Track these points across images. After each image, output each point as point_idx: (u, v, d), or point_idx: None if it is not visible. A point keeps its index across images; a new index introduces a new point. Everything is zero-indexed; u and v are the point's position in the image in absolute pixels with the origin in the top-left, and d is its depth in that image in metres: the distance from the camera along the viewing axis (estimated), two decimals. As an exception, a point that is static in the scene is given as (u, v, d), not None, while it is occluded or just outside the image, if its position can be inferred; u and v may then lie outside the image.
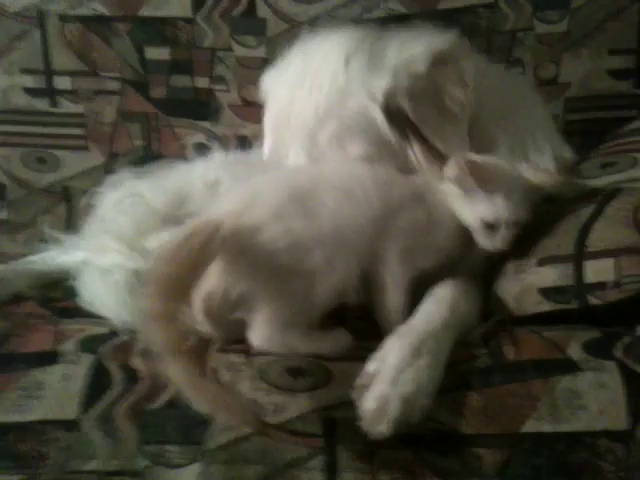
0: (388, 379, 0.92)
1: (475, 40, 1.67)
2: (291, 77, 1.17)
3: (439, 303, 1.06)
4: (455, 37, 1.20)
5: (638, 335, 1.01)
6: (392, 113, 1.12)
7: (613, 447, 0.92)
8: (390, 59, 1.13)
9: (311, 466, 0.92)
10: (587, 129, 1.71)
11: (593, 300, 1.03)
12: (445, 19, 1.69)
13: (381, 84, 1.11)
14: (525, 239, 1.19)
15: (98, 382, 0.99)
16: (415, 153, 1.14)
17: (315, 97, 1.12)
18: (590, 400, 0.94)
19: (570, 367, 0.98)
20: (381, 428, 0.89)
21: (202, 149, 1.69)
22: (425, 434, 0.93)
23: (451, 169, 1.09)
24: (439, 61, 1.14)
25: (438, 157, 1.14)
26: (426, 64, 1.13)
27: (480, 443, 0.93)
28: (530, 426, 0.93)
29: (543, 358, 0.99)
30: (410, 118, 1.12)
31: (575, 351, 1.00)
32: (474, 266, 1.17)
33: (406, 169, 1.15)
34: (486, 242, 1.10)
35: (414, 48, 1.15)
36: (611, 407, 0.94)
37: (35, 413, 0.96)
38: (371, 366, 0.94)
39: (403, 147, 1.14)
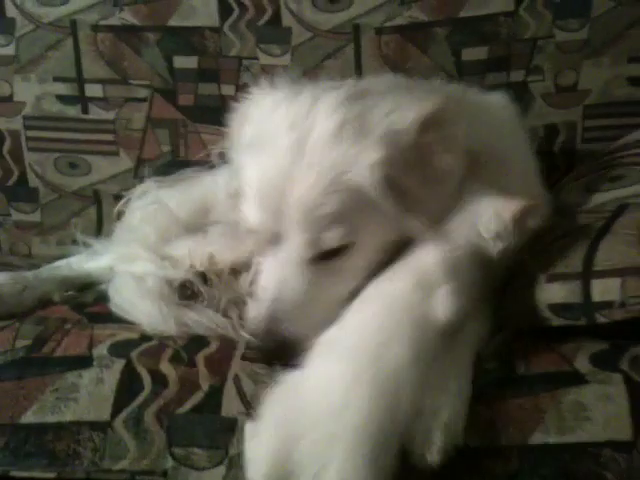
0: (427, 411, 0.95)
1: (495, 48, 1.72)
2: (279, 149, 1.10)
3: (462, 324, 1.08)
4: (443, 99, 1.14)
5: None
6: (386, 184, 1.08)
7: (617, 457, 0.95)
8: (379, 127, 1.09)
9: (328, 469, 0.96)
10: (606, 136, 1.72)
11: (600, 318, 1.05)
12: (466, 27, 1.73)
13: (370, 157, 1.06)
14: (536, 253, 1.23)
15: (129, 386, 1.05)
16: (411, 221, 1.11)
17: (310, 175, 1.07)
18: (595, 412, 0.98)
19: (577, 379, 1.01)
20: (431, 459, 0.92)
21: (225, 156, 1.73)
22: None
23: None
24: (426, 128, 1.09)
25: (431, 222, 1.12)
26: (414, 134, 1.08)
27: (490, 455, 0.97)
28: (537, 438, 0.97)
29: (552, 371, 1.03)
30: (402, 188, 1.10)
31: (582, 363, 1.03)
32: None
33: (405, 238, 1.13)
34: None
35: (402, 114, 1.10)
36: (616, 418, 0.97)
37: (70, 414, 1.03)
38: None
39: (400, 218, 1.11)
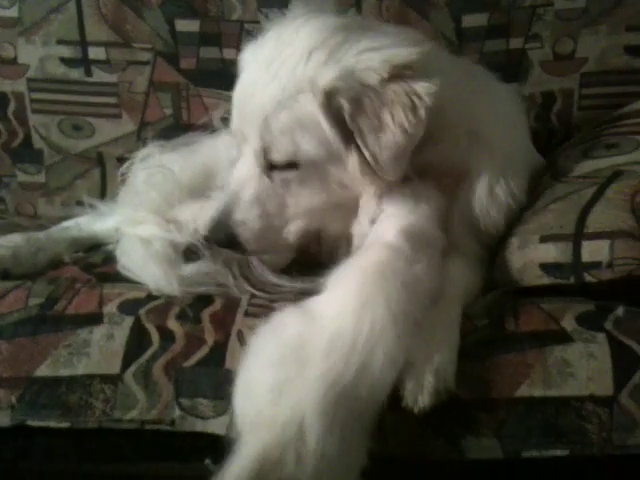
0: (419, 357, 1.00)
1: (495, 15, 1.73)
2: (260, 59, 1.17)
3: (449, 281, 1.14)
4: (425, 50, 1.13)
5: (628, 310, 1.09)
6: (336, 116, 1.11)
7: (598, 411, 1.02)
8: (347, 60, 1.10)
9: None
10: (602, 104, 1.76)
11: (588, 277, 1.11)
12: (467, -7, 1.74)
13: (324, 81, 1.09)
14: (531, 215, 1.27)
15: (138, 341, 1.10)
16: (352, 162, 1.14)
17: (275, 85, 1.12)
18: (579, 368, 1.04)
19: (563, 338, 1.07)
20: (421, 401, 0.98)
21: (227, 121, 1.75)
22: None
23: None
24: (395, 76, 1.09)
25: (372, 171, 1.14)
26: (380, 76, 1.09)
27: (479, 407, 1.03)
28: (524, 391, 1.03)
29: (540, 329, 1.08)
30: (347, 123, 1.11)
31: (569, 323, 1.09)
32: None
33: (346, 178, 1.17)
34: None
35: (376, 54, 1.10)
36: (598, 375, 1.03)
37: (82, 368, 1.08)
38: None
39: (345, 153, 1.14)
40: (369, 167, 1.13)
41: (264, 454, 0.87)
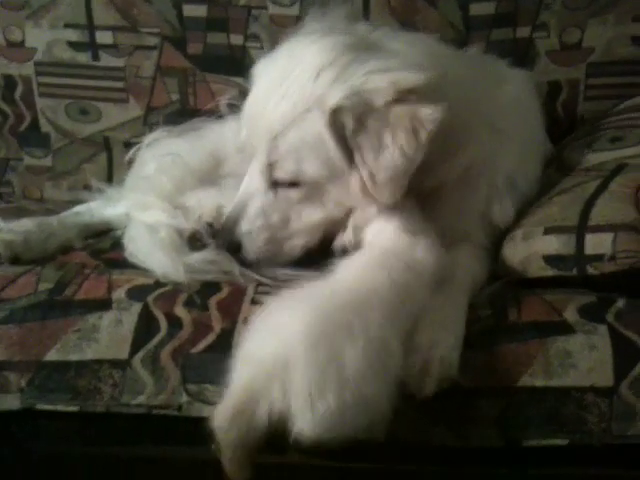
0: (424, 344, 1.02)
1: (503, 3, 1.73)
2: (272, 75, 1.19)
3: (458, 268, 1.16)
4: (433, 76, 1.12)
5: (629, 302, 1.11)
6: (341, 134, 1.12)
7: (598, 401, 1.04)
8: (355, 80, 1.11)
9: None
10: (608, 94, 1.76)
11: (591, 270, 1.12)
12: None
13: (332, 100, 1.10)
14: (536, 206, 1.28)
15: (146, 327, 1.12)
16: (354, 182, 1.15)
17: (285, 103, 1.14)
18: (581, 359, 1.06)
19: (565, 329, 1.08)
20: (427, 387, 1.00)
21: (234, 107, 1.75)
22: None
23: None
24: (400, 99, 1.09)
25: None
26: (385, 98, 1.09)
27: (479, 395, 1.04)
28: (525, 381, 1.04)
29: (542, 320, 1.10)
30: (348, 141, 1.12)
31: (571, 314, 1.10)
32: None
33: (348, 198, 1.18)
34: None
35: (383, 76, 1.11)
36: (599, 366, 1.05)
37: (91, 353, 1.10)
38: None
39: (348, 173, 1.15)
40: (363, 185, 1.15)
41: (251, 385, 0.90)
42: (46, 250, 1.37)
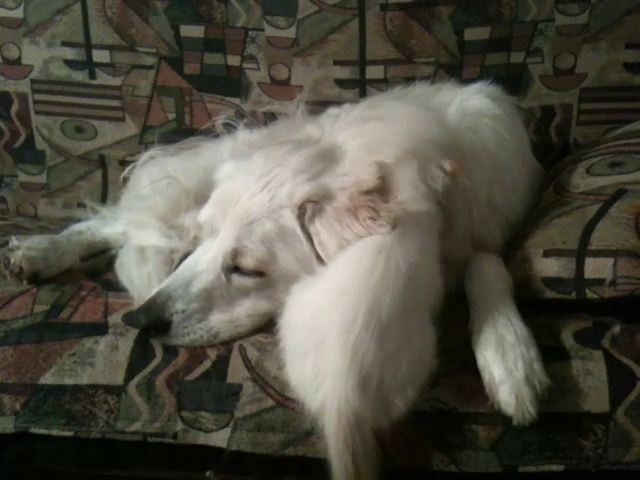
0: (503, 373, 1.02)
1: (497, 29, 1.75)
2: (249, 171, 1.22)
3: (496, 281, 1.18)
4: (397, 176, 1.15)
5: (624, 327, 1.11)
6: (305, 228, 1.15)
7: (594, 427, 1.04)
8: (323, 180, 1.16)
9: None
10: (600, 119, 1.79)
11: (590, 294, 1.13)
12: (469, 7, 1.76)
13: (299, 194, 1.15)
14: (535, 229, 1.29)
15: (142, 353, 1.11)
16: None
17: (264, 195, 1.16)
18: (576, 385, 1.06)
19: (561, 354, 1.09)
20: (529, 412, 1.00)
21: (230, 127, 1.76)
22: (429, 412, 1.05)
23: None
24: (359, 194, 1.13)
25: None
26: (346, 194, 1.14)
27: (477, 420, 1.05)
28: (521, 407, 1.04)
29: (538, 344, 1.08)
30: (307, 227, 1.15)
31: (567, 339, 1.11)
32: None
33: None
34: None
35: (349, 177, 1.16)
36: (595, 392, 1.06)
37: (87, 378, 1.10)
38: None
39: (318, 267, 1.14)
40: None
41: None
42: (60, 268, 1.36)
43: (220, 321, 1.15)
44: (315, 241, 1.14)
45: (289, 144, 1.27)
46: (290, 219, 1.15)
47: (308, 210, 1.14)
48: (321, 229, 1.13)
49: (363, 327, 0.96)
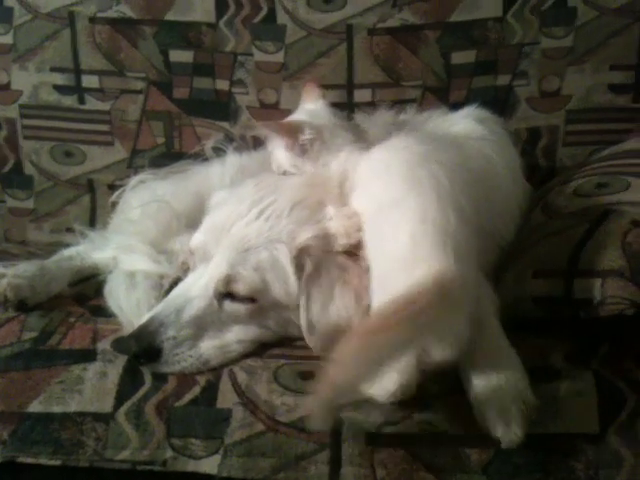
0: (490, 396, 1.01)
1: (483, 52, 1.77)
2: (241, 199, 1.23)
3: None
4: None
5: (615, 347, 1.12)
6: (300, 274, 1.17)
7: (585, 448, 1.04)
8: (324, 223, 1.20)
9: (318, 459, 1.03)
10: (586, 140, 1.80)
11: (580, 314, 1.12)
12: (456, 31, 1.78)
13: (300, 239, 1.17)
14: (524, 249, 1.30)
15: (131, 380, 1.10)
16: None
17: (261, 224, 1.18)
18: (567, 406, 1.06)
19: (551, 374, 1.09)
20: (516, 434, 0.98)
21: (219, 151, 1.77)
22: (420, 435, 1.04)
23: None
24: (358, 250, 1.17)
25: None
26: (343, 246, 1.18)
27: (468, 443, 1.04)
28: (511, 429, 1.04)
29: (528, 365, 1.07)
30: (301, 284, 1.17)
31: (557, 359, 1.11)
32: None
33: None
34: None
35: (345, 223, 1.18)
36: (585, 413, 1.05)
37: (75, 405, 1.08)
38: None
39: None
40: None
41: None
42: (48, 294, 1.35)
43: (210, 347, 1.15)
44: (302, 298, 1.17)
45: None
46: (285, 258, 1.17)
47: (307, 266, 1.17)
48: (312, 295, 1.16)
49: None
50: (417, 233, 1.01)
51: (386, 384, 0.99)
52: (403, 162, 1.15)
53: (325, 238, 1.18)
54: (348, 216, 1.19)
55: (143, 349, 1.12)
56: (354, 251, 1.18)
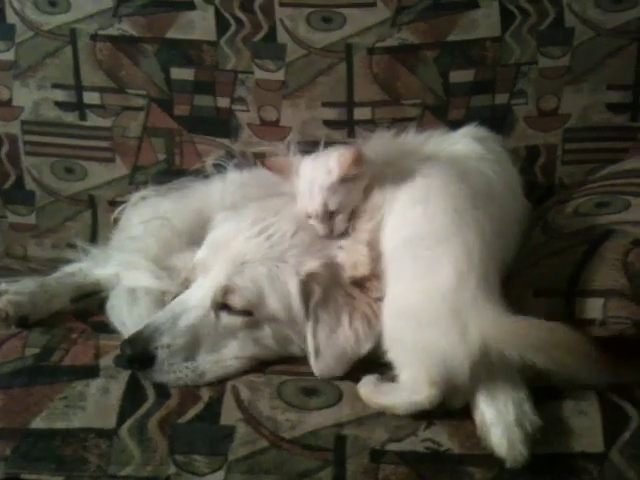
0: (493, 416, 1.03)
1: (481, 71, 1.79)
2: (244, 217, 1.25)
3: None
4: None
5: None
6: (307, 299, 1.19)
7: (589, 468, 1.04)
8: (331, 251, 1.22)
9: (321, 476, 1.03)
10: (584, 159, 1.82)
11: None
12: (454, 50, 1.80)
13: (308, 267, 1.19)
14: (524, 268, 1.30)
15: (134, 396, 1.11)
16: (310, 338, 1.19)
17: (262, 240, 1.19)
18: (570, 425, 1.06)
19: (554, 394, 1.09)
20: (520, 454, 0.99)
21: (220, 167, 1.77)
22: (424, 453, 1.04)
23: None
24: (364, 281, 1.20)
25: None
26: (355, 274, 1.20)
27: (472, 462, 1.04)
28: (515, 448, 1.04)
29: (531, 386, 1.08)
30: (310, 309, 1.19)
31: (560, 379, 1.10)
32: None
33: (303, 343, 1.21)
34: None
35: (350, 254, 1.21)
36: (589, 432, 1.06)
37: (78, 421, 1.08)
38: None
39: (303, 325, 1.19)
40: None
41: None
42: (49, 311, 1.35)
43: (207, 361, 1.16)
44: (310, 326, 1.18)
45: (284, 196, 1.29)
46: (288, 277, 1.18)
47: (316, 293, 1.18)
48: (321, 320, 1.18)
49: None
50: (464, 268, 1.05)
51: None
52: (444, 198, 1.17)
53: (333, 267, 1.20)
54: (359, 249, 1.20)
55: (137, 353, 1.13)
56: (362, 282, 1.20)
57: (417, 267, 1.09)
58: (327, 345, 1.17)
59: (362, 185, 1.22)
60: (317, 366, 1.16)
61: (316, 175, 1.20)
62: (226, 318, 1.18)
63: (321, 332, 1.17)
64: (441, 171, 1.25)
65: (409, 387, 1.04)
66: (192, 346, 1.16)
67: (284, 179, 1.28)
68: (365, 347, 1.17)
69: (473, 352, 0.99)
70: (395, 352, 1.08)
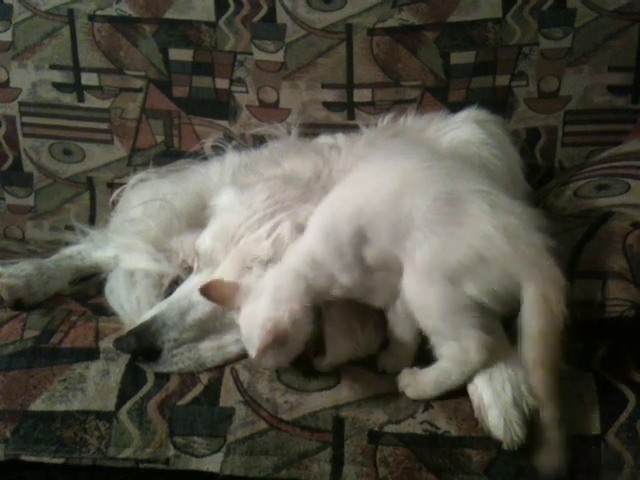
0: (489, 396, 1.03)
1: (482, 53, 1.78)
2: (252, 206, 1.20)
3: None
4: None
5: (614, 349, 1.12)
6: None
7: (586, 450, 1.04)
8: None
9: (320, 457, 1.04)
10: (585, 141, 1.82)
11: (579, 316, 1.12)
12: (455, 32, 1.79)
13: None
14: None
15: (134, 378, 1.11)
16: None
17: (269, 245, 1.14)
18: (567, 407, 1.04)
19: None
20: (517, 435, 1.00)
21: (218, 149, 1.77)
22: (422, 435, 1.05)
23: None
24: None
25: None
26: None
27: (470, 444, 1.04)
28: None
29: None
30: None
31: (556, 362, 1.11)
32: None
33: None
34: None
35: None
36: (585, 414, 1.06)
37: (77, 404, 1.09)
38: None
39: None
40: None
41: None
42: (46, 294, 1.34)
43: (208, 348, 1.15)
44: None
45: (293, 185, 1.25)
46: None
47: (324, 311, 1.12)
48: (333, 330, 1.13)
49: None
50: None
51: None
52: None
53: None
54: None
55: (144, 348, 1.12)
56: None
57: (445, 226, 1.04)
58: (340, 352, 1.13)
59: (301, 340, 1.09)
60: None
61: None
62: (227, 314, 1.16)
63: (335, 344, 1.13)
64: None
65: (456, 359, 1.04)
66: (197, 338, 1.15)
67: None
68: (373, 349, 1.15)
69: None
70: (433, 326, 1.05)
